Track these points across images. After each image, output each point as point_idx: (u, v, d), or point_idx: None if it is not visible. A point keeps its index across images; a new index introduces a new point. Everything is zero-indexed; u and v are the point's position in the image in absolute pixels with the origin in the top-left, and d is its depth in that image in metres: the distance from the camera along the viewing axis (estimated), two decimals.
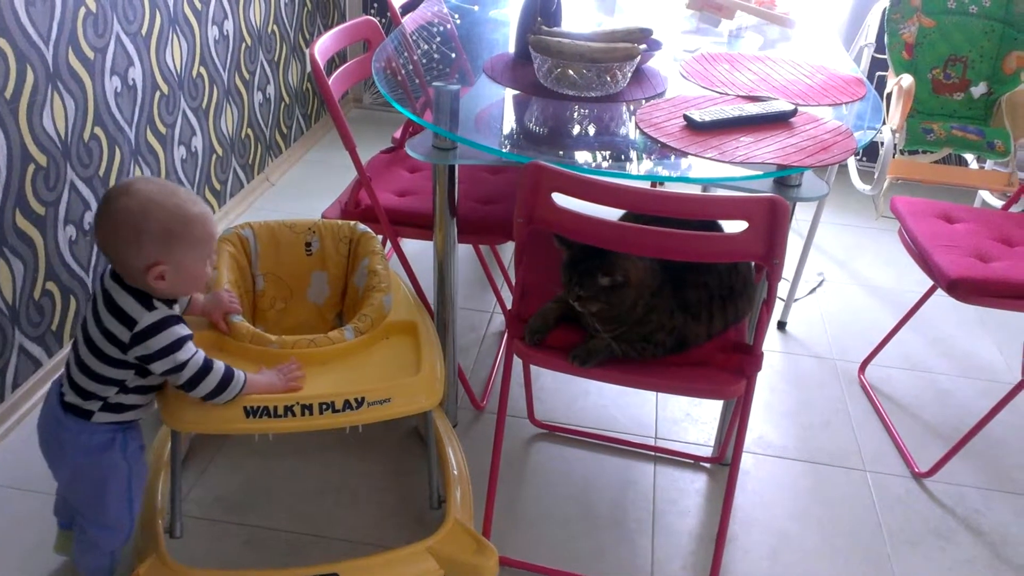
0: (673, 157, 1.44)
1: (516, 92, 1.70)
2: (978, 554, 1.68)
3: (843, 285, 2.61)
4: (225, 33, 2.50)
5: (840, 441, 1.95)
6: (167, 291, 1.25)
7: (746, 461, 1.87)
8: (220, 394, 1.29)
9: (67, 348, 1.94)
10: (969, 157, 2.91)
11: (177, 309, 1.29)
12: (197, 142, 2.43)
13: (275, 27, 2.85)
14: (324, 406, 1.34)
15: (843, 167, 3.17)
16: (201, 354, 1.27)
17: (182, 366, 1.25)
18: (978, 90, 2.66)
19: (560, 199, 1.29)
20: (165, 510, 1.53)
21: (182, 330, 1.26)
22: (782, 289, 2.36)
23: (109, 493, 1.32)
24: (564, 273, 1.39)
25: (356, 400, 1.35)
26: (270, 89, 2.88)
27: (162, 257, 1.21)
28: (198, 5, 2.32)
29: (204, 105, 2.44)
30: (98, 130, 1.94)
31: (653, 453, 1.88)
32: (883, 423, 2.02)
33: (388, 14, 3.27)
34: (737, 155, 1.41)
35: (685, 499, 1.76)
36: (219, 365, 1.29)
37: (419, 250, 2.33)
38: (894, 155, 2.52)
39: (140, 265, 1.21)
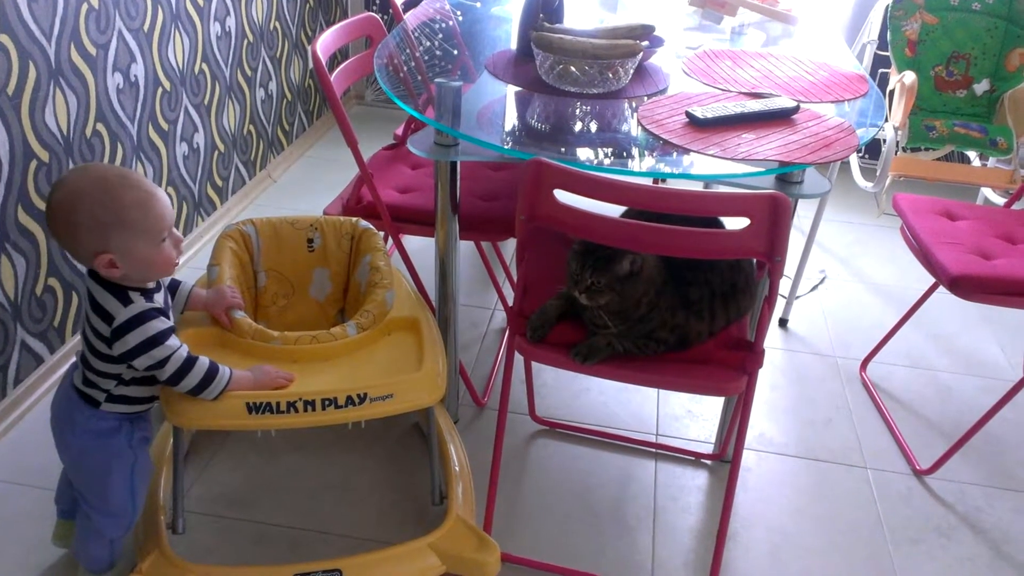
0: (675, 154, 1.44)
1: (518, 89, 1.70)
2: (979, 551, 1.68)
3: (845, 282, 2.61)
4: (227, 29, 2.50)
5: (841, 438, 1.95)
6: (129, 278, 1.23)
7: (747, 458, 1.87)
8: (205, 389, 1.29)
9: (69, 344, 1.95)
10: (971, 154, 2.91)
11: (159, 300, 1.27)
12: (199, 138, 2.43)
13: (277, 23, 2.85)
14: (326, 402, 1.34)
15: (845, 164, 3.17)
16: (184, 349, 1.27)
17: (163, 362, 1.24)
18: (981, 87, 2.65)
19: (562, 196, 1.29)
20: (167, 506, 1.53)
21: (161, 324, 1.24)
22: (784, 286, 2.36)
23: (113, 479, 1.33)
24: (574, 262, 1.38)
25: (358, 396, 1.35)
26: (272, 86, 2.88)
27: (102, 247, 1.19)
28: (200, 2, 2.32)
29: (206, 101, 2.44)
30: (100, 126, 1.95)
31: (654, 450, 1.88)
32: (884, 420, 2.02)
33: (390, 11, 3.27)
34: (739, 152, 1.41)
35: (686, 496, 1.76)
36: (203, 360, 1.29)
37: (421, 247, 2.33)
38: (896, 152, 2.51)
39: (85, 256, 1.20)
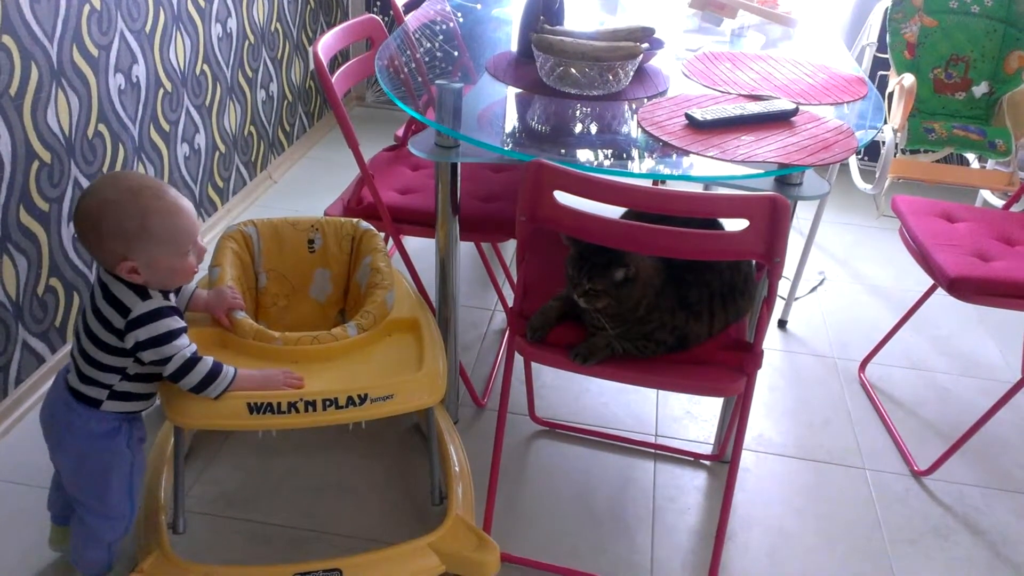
0: (675, 156, 1.45)
1: (518, 90, 1.71)
2: (977, 552, 1.68)
3: (844, 284, 2.62)
4: (228, 31, 2.51)
5: (840, 439, 1.95)
6: (148, 284, 1.26)
7: (746, 459, 1.87)
8: (207, 388, 1.30)
9: (70, 344, 1.95)
10: (970, 157, 2.92)
11: (173, 300, 1.30)
12: (200, 139, 2.44)
13: (278, 25, 2.86)
14: (327, 402, 1.34)
15: (844, 166, 3.17)
16: (191, 348, 1.28)
17: (168, 358, 1.26)
18: (980, 90, 2.66)
19: (562, 197, 1.29)
20: (168, 506, 1.54)
21: (175, 322, 1.27)
22: (783, 287, 2.36)
23: (112, 482, 1.34)
24: (571, 267, 1.39)
25: (359, 396, 1.36)
26: (273, 87, 2.88)
27: (126, 254, 1.21)
28: (202, 3, 2.33)
29: (207, 102, 2.45)
30: (102, 127, 1.95)
31: (653, 450, 1.88)
32: (883, 421, 2.02)
33: (391, 12, 3.28)
34: (739, 154, 1.42)
35: (685, 496, 1.76)
36: (207, 360, 1.30)
37: (421, 247, 2.34)
38: (895, 154, 2.52)
39: (109, 262, 1.23)
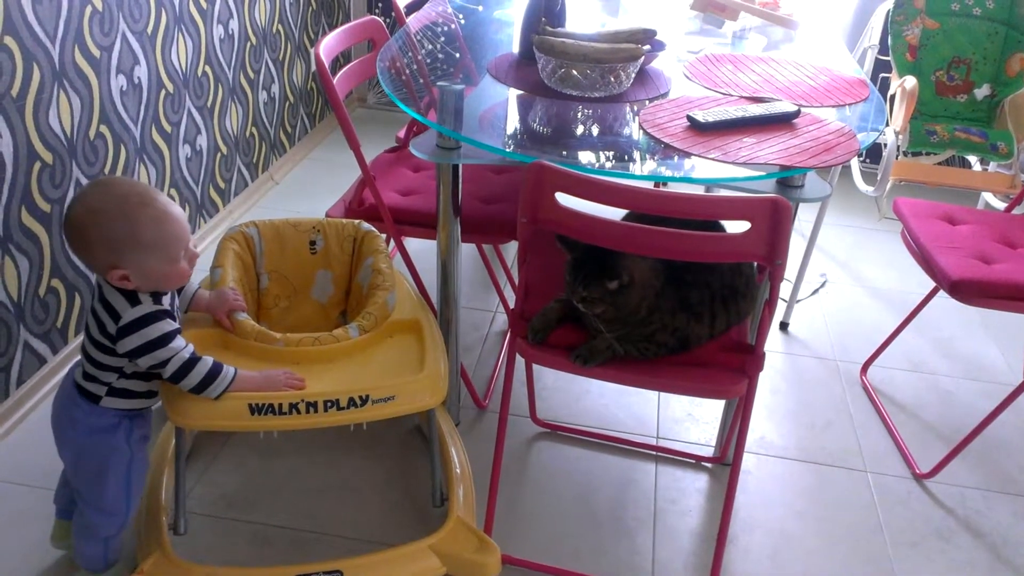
0: (676, 157, 1.45)
1: (520, 92, 1.71)
2: (979, 555, 1.68)
3: (845, 286, 2.62)
4: (230, 32, 2.51)
5: (841, 442, 1.95)
6: (140, 289, 1.25)
7: (747, 461, 1.87)
8: (206, 388, 1.30)
9: (72, 345, 1.95)
10: (972, 159, 2.91)
11: (166, 302, 1.29)
12: (202, 141, 2.44)
13: (280, 26, 2.86)
14: (328, 404, 1.34)
15: (846, 168, 3.17)
16: (188, 350, 1.28)
17: (165, 362, 1.26)
18: (981, 92, 2.66)
19: (563, 199, 1.29)
20: (169, 507, 1.54)
21: (167, 326, 1.26)
22: (784, 290, 2.36)
23: (109, 476, 1.34)
24: (568, 274, 1.39)
25: (360, 398, 1.36)
26: (275, 88, 2.89)
27: (115, 261, 1.21)
28: (204, 4, 2.33)
29: (209, 104, 2.45)
30: (104, 128, 1.95)
31: (655, 453, 1.88)
32: (884, 424, 2.02)
33: (392, 14, 3.28)
34: (740, 156, 1.42)
35: (686, 499, 1.76)
36: (206, 360, 1.30)
37: (423, 249, 2.34)
38: (897, 157, 2.52)
39: (99, 269, 1.23)
